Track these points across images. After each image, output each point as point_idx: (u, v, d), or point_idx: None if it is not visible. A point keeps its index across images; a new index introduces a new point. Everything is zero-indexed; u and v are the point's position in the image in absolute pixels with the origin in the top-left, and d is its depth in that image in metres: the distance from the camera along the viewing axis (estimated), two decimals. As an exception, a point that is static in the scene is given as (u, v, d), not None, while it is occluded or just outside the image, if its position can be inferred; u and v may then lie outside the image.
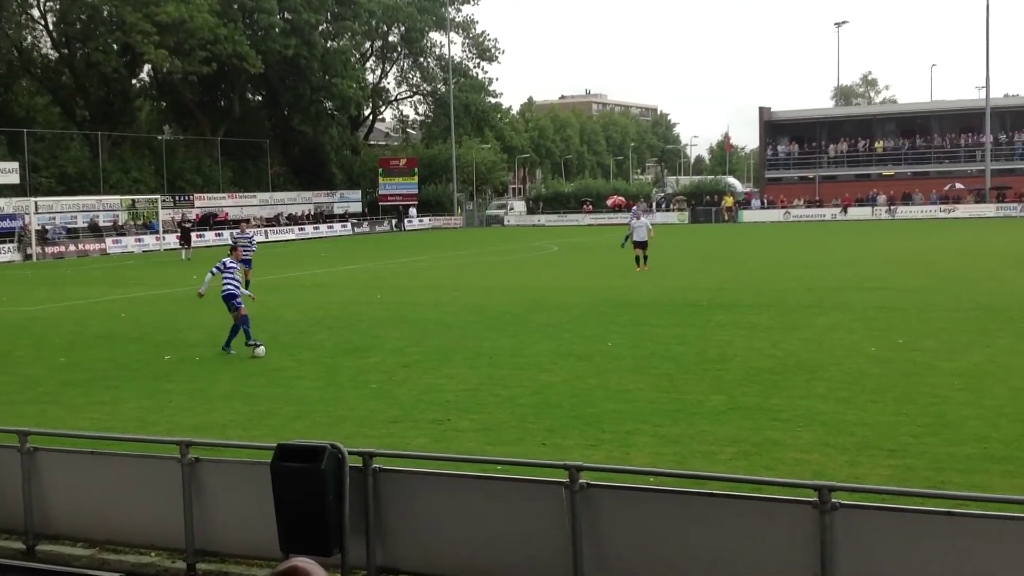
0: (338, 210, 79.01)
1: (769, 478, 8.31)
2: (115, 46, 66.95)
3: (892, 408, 12.25)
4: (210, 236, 63.21)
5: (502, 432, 11.76)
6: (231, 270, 18.70)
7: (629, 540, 7.09)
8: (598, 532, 7.04)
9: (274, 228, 69.00)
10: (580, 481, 7.02)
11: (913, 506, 6.77)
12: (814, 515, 6.40)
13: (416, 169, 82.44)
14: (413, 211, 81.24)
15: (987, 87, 77.10)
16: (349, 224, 75.92)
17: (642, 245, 32.69)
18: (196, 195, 68.78)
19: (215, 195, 70.50)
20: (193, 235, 53.15)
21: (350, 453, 7.54)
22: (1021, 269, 30.11)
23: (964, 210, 72.41)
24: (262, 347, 17.63)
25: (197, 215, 66.75)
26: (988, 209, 71.24)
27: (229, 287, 18.32)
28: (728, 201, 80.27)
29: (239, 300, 18.17)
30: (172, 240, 58.99)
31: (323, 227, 72.84)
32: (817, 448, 10.59)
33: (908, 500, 7.10)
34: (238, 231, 35.24)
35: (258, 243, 34.87)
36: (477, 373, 15.46)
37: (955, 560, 6.22)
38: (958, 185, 77.06)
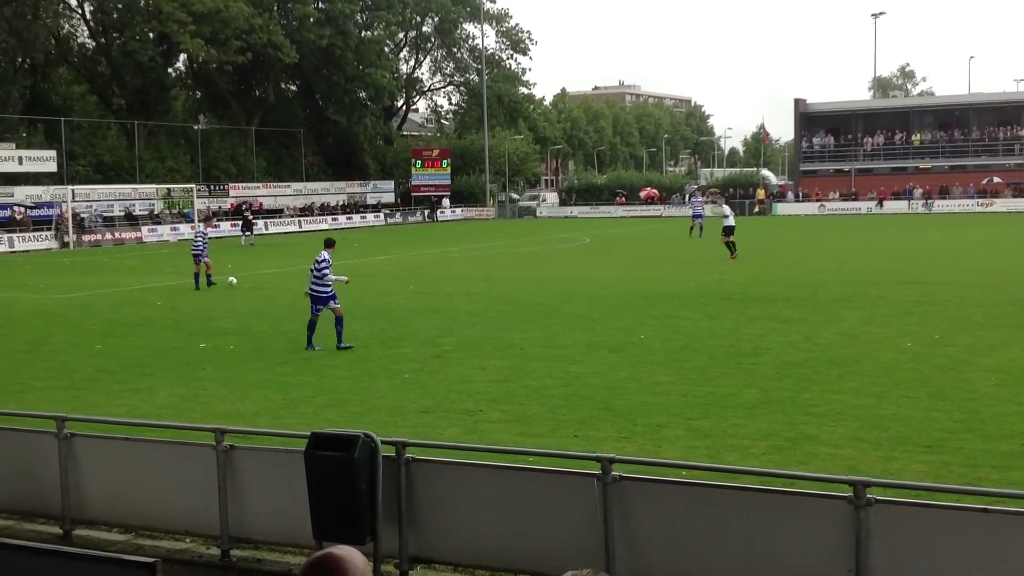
0: (371, 200, 79.27)
1: (803, 473, 8.26)
2: (151, 35, 67.50)
3: (927, 403, 12.14)
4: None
5: (533, 423, 11.77)
6: (322, 268, 17.39)
7: (661, 533, 7.07)
8: (630, 525, 7.03)
9: (307, 218, 69.32)
10: (612, 473, 7.00)
11: (949, 502, 6.71)
12: (849, 510, 6.36)
13: (449, 160, 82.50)
14: (446, 202, 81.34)
15: (1027, 79, 75.94)
16: (382, 214, 76.16)
17: (730, 231, 34.88)
18: (231, 184, 69.22)
19: (249, 184, 70.91)
20: (256, 223, 54.08)
21: (382, 442, 7.57)
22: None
23: (1002, 204, 71.48)
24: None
25: (232, 204, 67.19)
26: (1027, 203, 70.32)
27: (321, 291, 17.32)
28: (760, 194, 79.71)
29: (318, 308, 17.32)
30: (226, 227, 59.83)
31: (356, 217, 73.08)
32: (851, 443, 10.51)
33: (944, 496, 7.04)
34: (202, 227, 32.64)
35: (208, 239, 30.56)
36: (508, 364, 15.47)
37: (991, 557, 6.16)
38: (996, 179, 76.08)
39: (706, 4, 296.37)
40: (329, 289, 17.35)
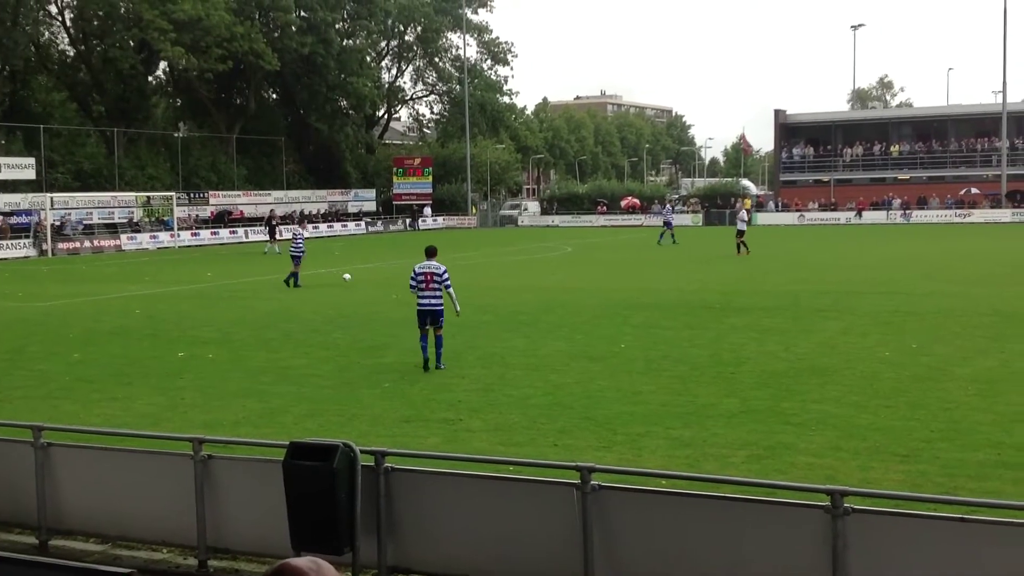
0: (352, 209, 79.11)
1: (781, 482, 8.29)
2: (132, 43, 67.19)
3: (905, 413, 12.20)
4: (224, 233, 63.47)
5: (514, 433, 11.77)
6: (427, 279, 15.84)
7: (640, 542, 7.08)
8: (609, 534, 7.04)
9: (288, 226, 69.00)
10: (592, 483, 7.01)
11: (925, 512, 6.75)
12: (826, 519, 6.38)
13: (431, 168, 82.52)
14: (427, 210, 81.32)
15: (1004, 91, 76.77)
16: (363, 223, 76.06)
17: (740, 234, 41.77)
18: (211, 192, 68.98)
19: (230, 192, 70.66)
20: (279, 229, 53.91)
21: (362, 452, 7.56)
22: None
23: (980, 215, 72.08)
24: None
25: (212, 212, 66.99)
26: (1004, 214, 70.88)
27: (431, 303, 15.82)
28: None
29: (440, 321, 15.88)
30: (206, 235, 59.64)
31: (337, 226, 72.96)
32: (829, 452, 10.56)
33: (920, 506, 7.08)
34: (298, 228, 34.24)
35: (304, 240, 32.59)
36: (489, 373, 15.47)
37: (967, 566, 6.19)
38: (974, 190, 76.70)
39: (688, 15, 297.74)
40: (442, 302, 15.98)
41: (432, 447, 10.88)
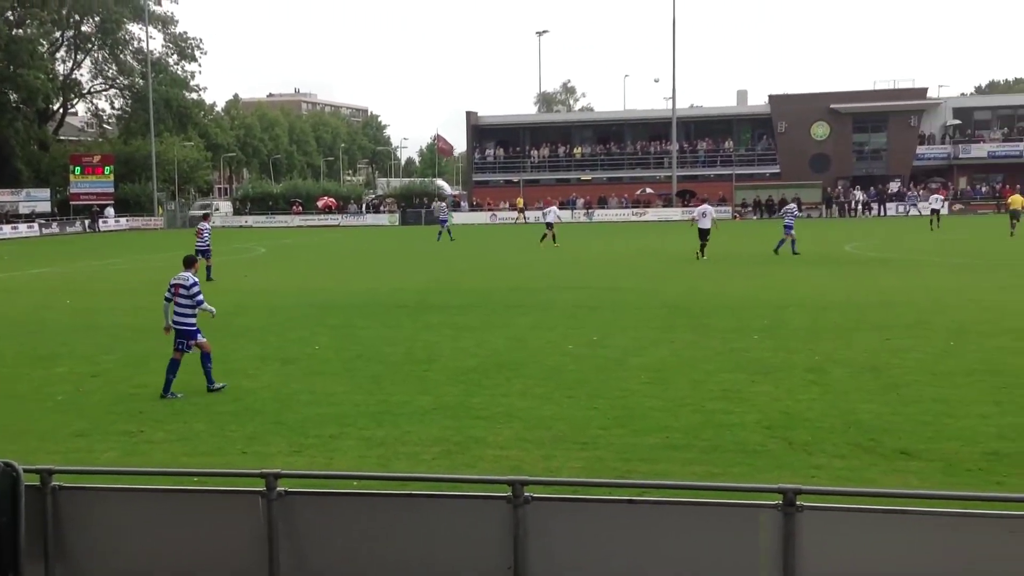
0: (24, 210, 73.66)
1: (466, 476, 8.47)
2: None
3: (585, 403, 12.83)
4: None
5: (200, 442, 11.34)
6: (196, 294, 14.26)
7: (329, 546, 7.00)
8: (297, 541, 6.91)
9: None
10: (278, 489, 6.86)
11: (600, 496, 7.10)
12: (508, 510, 6.57)
13: (112, 167, 78.21)
14: (109, 211, 77.03)
15: (673, 98, 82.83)
16: (36, 225, 70.94)
17: (704, 233, 36.17)
18: None
19: None
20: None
21: (26, 471, 7.01)
22: (704, 267, 32.46)
23: (653, 213, 77.38)
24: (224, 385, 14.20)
25: None
26: (675, 213, 76.44)
27: (190, 323, 14.21)
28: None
29: (188, 344, 14.14)
30: None
31: (6, 228, 67.54)
32: (516, 444, 10.93)
33: (596, 490, 7.45)
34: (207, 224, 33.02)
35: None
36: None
37: (637, 544, 6.57)
38: (648, 190, 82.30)
39: (381, 14, 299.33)
40: (196, 320, 14.38)
41: (109, 462, 10.28)
